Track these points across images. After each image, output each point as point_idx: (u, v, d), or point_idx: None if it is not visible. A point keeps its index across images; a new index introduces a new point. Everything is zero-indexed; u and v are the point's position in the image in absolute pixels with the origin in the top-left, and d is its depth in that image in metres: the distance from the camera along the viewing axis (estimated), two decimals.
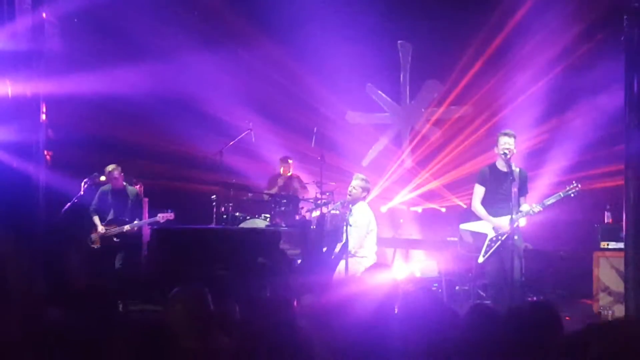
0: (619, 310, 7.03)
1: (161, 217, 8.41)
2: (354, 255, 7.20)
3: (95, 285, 3.28)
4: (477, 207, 6.92)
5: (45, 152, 7.72)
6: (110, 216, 8.36)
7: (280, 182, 9.87)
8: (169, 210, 8.44)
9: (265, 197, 9.33)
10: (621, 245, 6.94)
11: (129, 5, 9.14)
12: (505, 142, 6.74)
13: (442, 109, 10.55)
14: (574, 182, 6.71)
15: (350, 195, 7.35)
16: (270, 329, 3.28)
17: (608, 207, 7.96)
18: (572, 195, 6.67)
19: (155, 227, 8.25)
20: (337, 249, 7.41)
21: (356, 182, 7.34)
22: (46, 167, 7.85)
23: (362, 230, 7.24)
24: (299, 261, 7.52)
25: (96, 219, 8.35)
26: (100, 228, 8.25)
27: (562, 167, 9.08)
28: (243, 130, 9.35)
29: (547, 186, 8.76)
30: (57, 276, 6.66)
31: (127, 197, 8.48)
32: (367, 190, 7.45)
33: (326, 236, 7.78)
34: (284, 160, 9.94)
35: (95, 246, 8.22)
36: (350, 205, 7.41)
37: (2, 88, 7.75)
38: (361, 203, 7.37)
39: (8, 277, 3.04)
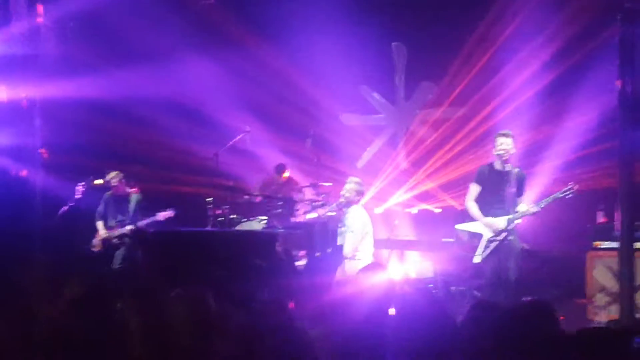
0: (613, 310, 7.06)
1: (161, 215, 8.45)
2: (350, 259, 7.21)
3: (94, 286, 3.29)
4: (470, 205, 6.94)
5: (42, 151, 7.74)
6: (112, 222, 8.39)
7: (275, 185, 9.87)
8: (169, 209, 8.46)
9: (260, 197, 9.33)
10: (614, 244, 6.98)
11: (124, 9, 9.16)
12: (502, 143, 6.78)
13: (437, 111, 10.58)
14: (570, 183, 6.75)
15: (343, 198, 7.32)
16: (267, 330, 3.30)
17: (601, 206, 8.00)
18: (568, 196, 6.72)
19: (151, 229, 8.27)
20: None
21: (350, 186, 7.31)
22: (43, 171, 7.88)
23: (357, 234, 7.22)
24: (304, 262, 7.51)
25: (99, 224, 8.42)
26: (102, 232, 8.29)
27: (555, 167, 9.12)
28: (239, 133, 9.36)
29: (541, 186, 8.80)
30: (58, 278, 6.67)
31: (128, 203, 8.52)
32: (361, 193, 7.41)
33: (325, 238, 7.81)
34: (280, 169, 9.86)
35: (95, 249, 8.26)
36: (344, 209, 7.39)
37: None
38: (355, 206, 7.34)
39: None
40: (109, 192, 8.56)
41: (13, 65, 7.95)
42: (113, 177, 8.50)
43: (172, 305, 3.37)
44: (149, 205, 8.93)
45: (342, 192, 7.36)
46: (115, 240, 8.25)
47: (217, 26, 10.24)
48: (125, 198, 8.55)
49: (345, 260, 7.14)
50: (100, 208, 8.45)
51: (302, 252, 7.35)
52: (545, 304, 3.58)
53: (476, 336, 3.37)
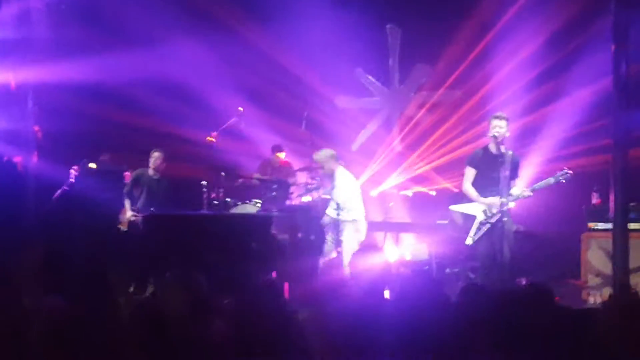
0: (607, 291, 7.10)
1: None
2: (341, 210, 7.31)
3: (95, 273, 3.29)
4: (468, 188, 6.96)
5: (36, 129, 7.71)
6: (140, 203, 8.45)
7: (270, 169, 9.88)
8: None
9: (255, 181, 9.33)
10: (609, 226, 7.00)
11: None
12: (496, 125, 6.78)
13: (431, 93, 10.56)
14: (565, 168, 6.76)
15: (325, 169, 7.54)
16: (263, 314, 3.31)
17: (595, 188, 8.02)
18: (562, 181, 6.73)
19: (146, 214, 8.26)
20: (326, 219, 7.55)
21: (320, 157, 7.59)
22: (36, 154, 7.86)
23: (343, 193, 7.39)
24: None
25: (127, 203, 8.43)
26: (129, 213, 8.32)
27: (550, 149, 9.14)
28: (233, 116, 9.33)
29: (536, 167, 8.83)
30: (53, 263, 6.67)
31: (159, 188, 8.61)
32: (333, 156, 7.68)
33: (317, 221, 7.85)
34: (276, 149, 9.90)
35: (123, 228, 8.28)
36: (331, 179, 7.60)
37: None
38: (338, 170, 7.57)
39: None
40: (138, 172, 8.57)
41: (4, 49, 7.89)
42: (158, 156, 8.58)
43: (165, 289, 3.38)
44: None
45: (323, 171, 7.69)
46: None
47: (211, 9, 10.16)
48: (155, 182, 8.61)
49: (339, 217, 7.24)
50: (128, 187, 8.48)
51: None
52: (543, 286, 3.60)
53: (473, 317, 3.39)
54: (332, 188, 7.47)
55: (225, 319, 3.32)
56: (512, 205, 6.83)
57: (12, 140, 7.90)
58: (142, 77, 9.68)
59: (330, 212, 7.52)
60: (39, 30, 8.49)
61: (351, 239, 7.38)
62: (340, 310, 3.51)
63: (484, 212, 6.83)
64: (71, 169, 8.39)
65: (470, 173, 6.98)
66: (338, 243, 7.24)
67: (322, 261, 7.21)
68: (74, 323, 2.85)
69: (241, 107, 9.35)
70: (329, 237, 7.56)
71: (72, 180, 8.19)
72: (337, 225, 7.36)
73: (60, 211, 8.05)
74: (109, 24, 9.46)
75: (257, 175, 9.56)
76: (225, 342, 3.16)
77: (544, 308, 3.40)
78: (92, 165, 8.41)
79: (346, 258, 6.99)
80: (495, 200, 6.70)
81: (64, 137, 8.84)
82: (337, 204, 7.41)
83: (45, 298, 3.21)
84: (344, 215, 7.50)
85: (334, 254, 7.28)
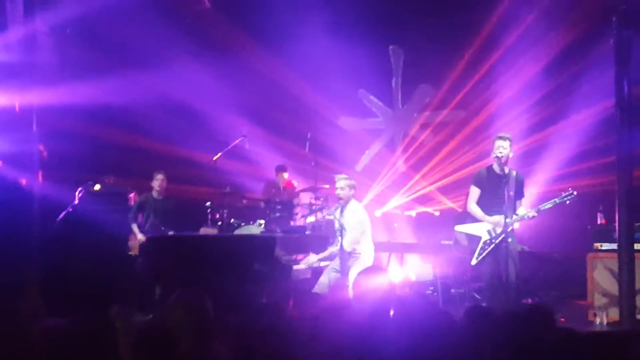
0: (613, 312, 7.05)
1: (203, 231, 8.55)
2: (350, 254, 7.23)
3: (98, 294, 3.29)
4: (473, 207, 6.95)
5: (41, 148, 7.74)
6: (147, 226, 8.47)
7: (275, 190, 9.89)
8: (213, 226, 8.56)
9: (261, 204, 9.35)
10: (614, 246, 6.97)
11: (120, 16, 9.16)
12: (500, 146, 6.79)
13: (434, 114, 10.59)
14: (570, 189, 6.75)
15: (341, 198, 7.38)
16: (266, 335, 3.29)
17: (601, 208, 8.00)
18: (567, 202, 6.72)
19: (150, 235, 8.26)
20: (330, 251, 7.47)
21: (341, 183, 7.39)
22: (41, 176, 7.87)
23: (356, 229, 7.27)
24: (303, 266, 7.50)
25: (134, 227, 8.45)
26: (140, 237, 8.32)
27: (554, 169, 9.13)
28: (237, 137, 9.36)
29: (540, 187, 8.82)
30: (57, 284, 6.67)
31: (165, 208, 8.65)
32: (353, 187, 7.49)
33: (321, 242, 7.81)
34: (280, 170, 9.91)
35: (132, 253, 8.29)
36: (340, 207, 7.45)
37: None
38: (353, 202, 7.42)
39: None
40: (143, 196, 8.64)
41: (10, 72, 7.94)
42: (161, 178, 8.66)
43: (170, 310, 3.36)
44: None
45: (337, 193, 7.40)
46: None
47: (214, 31, 10.25)
48: (160, 202, 8.66)
49: (348, 258, 7.16)
50: (133, 213, 8.49)
51: (301, 256, 7.34)
52: (544, 308, 3.58)
53: (473, 340, 3.37)
54: (341, 221, 7.29)
55: (228, 340, 3.31)
56: (516, 225, 6.81)
57: (16, 162, 7.92)
58: (147, 99, 9.74)
59: (346, 245, 7.35)
60: (44, 54, 8.56)
61: (357, 271, 7.22)
62: (344, 331, 3.49)
63: (489, 232, 6.81)
64: (76, 190, 8.41)
65: (474, 192, 6.98)
66: (345, 273, 7.13)
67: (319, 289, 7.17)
68: (75, 345, 2.84)
69: (245, 128, 9.38)
70: (332, 266, 7.46)
71: (76, 202, 8.20)
72: (344, 256, 7.22)
73: (64, 233, 8.05)
74: (113, 47, 9.53)
75: (261, 197, 9.57)
76: None
77: (545, 330, 3.37)
78: (97, 186, 8.42)
79: (350, 281, 6.93)
80: (500, 218, 6.69)
81: (68, 159, 8.86)
82: (348, 237, 7.27)
83: (46, 320, 3.20)
84: (353, 249, 7.40)
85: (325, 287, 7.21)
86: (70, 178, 8.61)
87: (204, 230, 8.78)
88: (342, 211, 7.41)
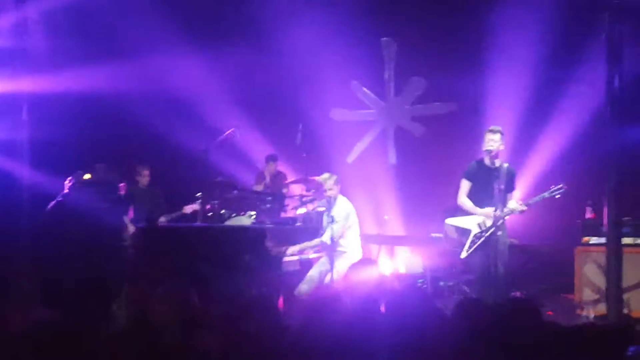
0: (601, 306, 7.11)
1: (187, 208, 8.78)
2: (333, 246, 7.26)
3: (89, 285, 3.28)
4: (464, 200, 6.97)
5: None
6: (138, 216, 8.68)
7: (267, 179, 9.88)
8: (195, 202, 8.71)
9: (249, 192, 9.32)
10: (602, 240, 7.03)
11: (113, 3, 9.10)
12: (490, 139, 6.81)
13: (426, 106, 10.58)
14: (561, 184, 6.78)
15: (332, 194, 7.51)
16: (256, 327, 3.30)
17: (589, 202, 8.04)
18: (557, 196, 6.75)
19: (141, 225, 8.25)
20: (315, 242, 7.51)
21: (329, 183, 7.58)
22: (30, 165, 7.84)
23: (339, 223, 7.35)
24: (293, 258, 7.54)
25: (125, 218, 8.61)
26: (132, 228, 8.45)
27: (544, 162, 9.16)
28: (228, 128, 9.32)
29: (530, 180, 8.85)
30: (47, 275, 6.65)
31: (153, 196, 9.09)
32: (338, 181, 7.70)
33: (311, 233, 7.83)
34: (270, 158, 9.94)
35: (127, 243, 8.38)
36: (331, 204, 7.55)
37: None
38: (340, 197, 7.55)
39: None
40: (131, 187, 8.89)
41: (0, 59, 7.90)
42: (143, 169, 9.08)
43: (156, 303, 3.36)
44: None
45: (327, 193, 7.62)
46: None
47: (206, 21, 10.20)
48: (146, 193, 9.05)
49: (334, 253, 7.19)
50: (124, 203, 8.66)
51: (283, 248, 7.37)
52: (529, 301, 3.60)
53: (462, 333, 3.38)
54: (330, 215, 7.36)
55: (216, 332, 3.31)
56: (506, 219, 6.84)
57: (5, 150, 7.88)
58: (138, 88, 9.70)
59: (326, 238, 7.40)
60: (34, 41, 8.51)
61: (343, 266, 7.24)
62: (334, 323, 3.50)
63: (479, 225, 6.84)
64: (66, 180, 8.37)
65: (465, 185, 7.00)
66: (330, 268, 7.17)
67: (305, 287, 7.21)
68: (64, 337, 2.83)
69: (236, 119, 9.36)
70: (322, 261, 7.48)
71: (66, 191, 8.15)
72: (329, 249, 7.25)
73: (54, 222, 8.00)
74: (104, 36, 9.47)
75: (252, 189, 9.56)
76: (217, 356, 3.15)
77: (532, 323, 3.40)
78: (87, 175, 8.38)
79: (337, 275, 6.95)
80: (490, 210, 6.71)
81: (58, 148, 8.82)
82: (335, 233, 7.30)
83: (36, 310, 3.19)
84: (340, 246, 7.45)
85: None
86: (60, 166, 8.56)
87: (187, 209, 8.90)
88: (331, 206, 7.49)
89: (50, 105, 8.49)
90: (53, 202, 8.02)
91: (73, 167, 8.42)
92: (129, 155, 9.79)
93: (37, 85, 8.24)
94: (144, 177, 9.26)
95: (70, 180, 8.19)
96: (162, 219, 8.98)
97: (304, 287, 7.26)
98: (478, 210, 6.83)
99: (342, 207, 7.53)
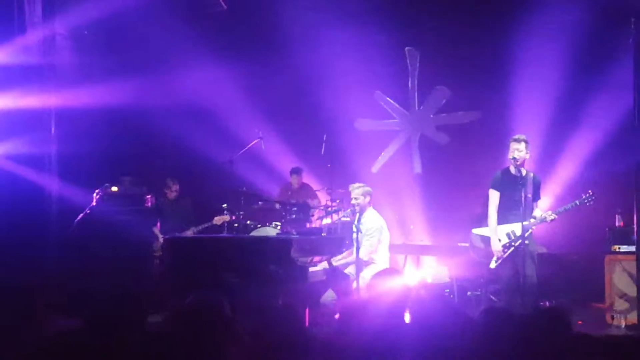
0: (632, 315, 6.99)
1: (217, 219, 8.82)
2: (367, 262, 7.24)
3: (117, 296, 3.29)
4: (491, 214, 6.90)
5: None
6: (167, 228, 8.86)
7: (291, 191, 9.91)
8: (225, 212, 8.74)
9: (277, 205, 9.37)
10: (632, 248, 6.93)
11: (138, 18, 9.21)
12: (515, 148, 6.76)
13: (450, 115, 10.53)
14: (590, 191, 6.70)
15: (357, 206, 7.43)
16: (282, 337, 3.29)
17: (618, 210, 7.93)
18: (587, 204, 6.67)
19: (168, 236, 8.32)
20: (344, 256, 7.44)
21: (356, 192, 7.46)
22: (58, 179, 7.94)
23: (374, 237, 7.28)
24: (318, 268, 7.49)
25: (155, 230, 8.84)
26: (161, 239, 8.64)
27: (572, 170, 9.05)
28: (253, 139, 9.38)
29: (558, 188, 8.74)
30: (75, 286, 6.71)
31: (181, 208, 9.26)
32: (369, 194, 7.54)
33: (337, 243, 7.80)
34: (295, 171, 9.96)
35: (157, 254, 8.56)
36: (358, 215, 7.47)
37: (14, 101, 7.84)
38: (370, 210, 7.46)
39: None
40: (160, 199, 9.13)
41: (29, 75, 8.02)
42: (173, 183, 9.27)
43: (187, 312, 3.37)
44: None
45: (353, 202, 7.48)
46: None
47: (230, 33, 10.29)
48: (177, 204, 9.26)
49: (363, 265, 7.16)
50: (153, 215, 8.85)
51: (317, 258, 7.33)
52: (558, 310, 3.55)
53: (490, 341, 3.35)
54: (358, 227, 7.25)
55: (243, 343, 3.31)
56: (533, 228, 6.77)
57: (34, 164, 8.00)
58: (163, 102, 9.81)
59: (363, 255, 7.30)
60: (62, 56, 8.64)
61: (368, 275, 7.17)
62: (360, 333, 3.48)
63: (508, 235, 6.78)
64: (94, 192, 8.47)
65: (494, 196, 6.93)
66: (357, 277, 7.11)
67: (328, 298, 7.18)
68: (92, 346, 2.85)
69: (261, 130, 9.40)
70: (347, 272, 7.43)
71: (94, 203, 8.25)
72: (360, 265, 7.17)
73: (82, 235, 8.10)
74: (131, 50, 9.59)
75: (277, 199, 9.60)
76: None
77: (562, 333, 3.35)
78: (114, 188, 8.48)
79: (362, 284, 6.90)
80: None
81: (85, 161, 8.94)
82: (365, 246, 7.25)
83: (63, 321, 3.22)
84: (370, 258, 7.39)
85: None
86: (88, 180, 8.68)
87: (218, 220, 8.89)
88: (359, 219, 7.41)
89: (77, 120, 8.60)
90: (81, 215, 8.11)
91: (100, 180, 8.53)
92: (154, 167, 9.89)
93: (64, 100, 8.36)
94: (173, 192, 9.40)
95: (97, 193, 8.29)
96: (190, 231, 9.05)
97: (329, 297, 7.24)
98: (493, 235, 6.80)
99: (374, 221, 7.43)
